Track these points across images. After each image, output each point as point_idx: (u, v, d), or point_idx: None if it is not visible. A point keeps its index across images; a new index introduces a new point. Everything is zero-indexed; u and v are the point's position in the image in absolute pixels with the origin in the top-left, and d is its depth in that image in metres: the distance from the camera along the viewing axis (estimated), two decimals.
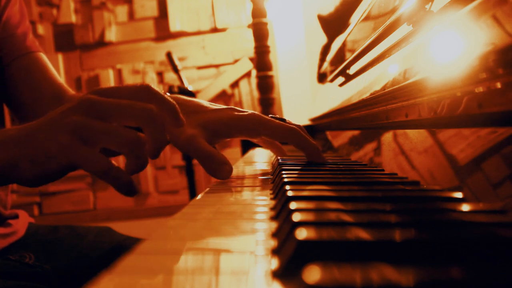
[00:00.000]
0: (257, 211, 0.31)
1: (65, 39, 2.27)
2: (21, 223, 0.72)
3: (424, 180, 0.38)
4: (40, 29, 2.24)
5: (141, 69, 2.24)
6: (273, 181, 0.47)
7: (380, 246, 0.18)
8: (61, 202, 2.24)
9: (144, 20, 2.26)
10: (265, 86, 1.60)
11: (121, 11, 2.26)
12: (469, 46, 0.29)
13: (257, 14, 1.58)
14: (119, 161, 1.92)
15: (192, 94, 1.65)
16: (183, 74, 1.76)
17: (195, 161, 1.73)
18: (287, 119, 0.57)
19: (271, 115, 0.55)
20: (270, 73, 1.61)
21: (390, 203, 0.27)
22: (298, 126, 0.54)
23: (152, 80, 2.23)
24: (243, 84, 2.21)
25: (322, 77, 1.31)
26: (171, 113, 0.42)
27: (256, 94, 1.65)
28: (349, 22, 0.88)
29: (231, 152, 2.12)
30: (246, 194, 0.41)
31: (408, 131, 0.44)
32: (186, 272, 0.19)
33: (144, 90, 0.41)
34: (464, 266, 0.15)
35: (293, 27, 2.13)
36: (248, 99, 2.20)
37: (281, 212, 0.28)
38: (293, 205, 0.25)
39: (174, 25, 2.21)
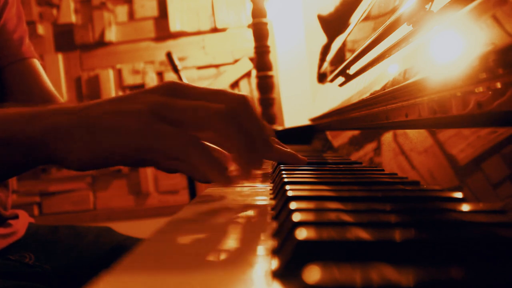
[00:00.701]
0: (257, 211, 0.31)
1: (65, 39, 2.27)
2: (21, 223, 0.72)
3: (424, 180, 0.38)
4: (40, 29, 2.24)
5: (141, 69, 2.24)
6: (273, 181, 0.47)
7: (380, 246, 0.18)
8: (61, 202, 2.24)
9: (144, 20, 2.25)
10: (265, 86, 1.60)
11: (121, 11, 2.26)
12: (469, 46, 0.29)
13: (257, 14, 1.58)
14: None
15: None
16: (183, 74, 1.76)
17: None
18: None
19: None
20: (270, 73, 1.61)
21: (390, 203, 0.27)
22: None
23: (152, 80, 2.23)
24: (243, 84, 2.21)
25: (322, 77, 1.31)
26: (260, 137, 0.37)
27: (256, 94, 1.65)
28: (349, 22, 0.88)
29: None
30: (246, 194, 0.41)
31: (408, 131, 0.44)
32: (185, 272, 0.19)
33: (241, 102, 0.36)
34: (464, 266, 0.15)
35: (293, 27, 2.13)
36: None
37: (281, 212, 0.28)
38: (293, 205, 0.25)
39: (174, 25, 2.21)
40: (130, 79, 2.24)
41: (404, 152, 0.44)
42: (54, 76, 2.21)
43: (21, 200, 2.18)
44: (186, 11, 2.21)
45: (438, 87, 0.34)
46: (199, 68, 2.22)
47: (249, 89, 2.20)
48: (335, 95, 0.88)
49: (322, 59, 1.27)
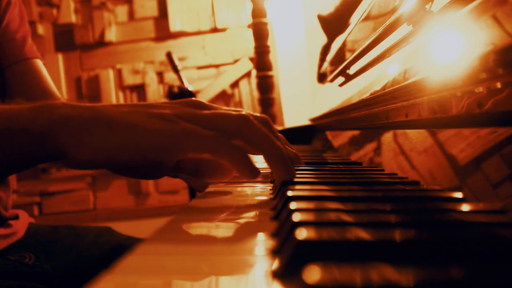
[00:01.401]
0: (257, 211, 0.31)
1: (65, 39, 2.27)
2: (21, 224, 0.72)
3: (424, 180, 0.38)
4: (40, 29, 2.24)
5: (141, 69, 2.24)
6: (272, 181, 0.47)
7: (380, 246, 0.18)
8: (61, 202, 2.24)
9: (144, 20, 2.25)
10: (265, 86, 1.60)
11: (121, 11, 2.26)
12: (469, 46, 0.29)
13: (257, 14, 1.58)
14: None
15: (192, 94, 1.65)
16: (183, 74, 1.76)
17: None
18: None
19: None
20: (270, 73, 1.61)
21: (390, 203, 0.27)
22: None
23: (152, 80, 2.23)
24: (243, 84, 2.21)
25: (322, 77, 1.31)
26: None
27: (256, 94, 1.65)
28: (349, 22, 0.88)
29: None
30: (246, 194, 0.41)
31: (408, 131, 0.44)
32: (185, 272, 0.19)
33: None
34: (464, 266, 0.15)
35: (293, 27, 2.13)
36: (248, 99, 2.20)
37: (281, 212, 0.28)
38: (293, 205, 0.25)
39: (174, 25, 2.21)
40: (130, 79, 2.24)
41: (404, 152, 0.44)
42: (54, 76, 2.20)
43: (21, 200, 2.18)
44: (186, 11, 2.21)
45: (438, 87, 0.34)
46: (199, 68, 2.22)
47: (249, 89, 2.20)
48: (335, 95, 0.88)
49: (322, 59, 1.27)
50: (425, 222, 0.23)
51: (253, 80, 2.16)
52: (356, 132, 0.69)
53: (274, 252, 0.21)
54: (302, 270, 0.16)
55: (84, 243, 0.73)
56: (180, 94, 1.62)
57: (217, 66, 2.22)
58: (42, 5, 2.26)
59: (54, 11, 2.26)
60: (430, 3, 0.43)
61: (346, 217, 0.23)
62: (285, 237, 0.21)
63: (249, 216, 0.30)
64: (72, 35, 2.26)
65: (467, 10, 0.30)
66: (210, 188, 0.44)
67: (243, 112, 0.38)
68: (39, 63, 0.79)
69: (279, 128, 1.43)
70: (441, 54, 0.34)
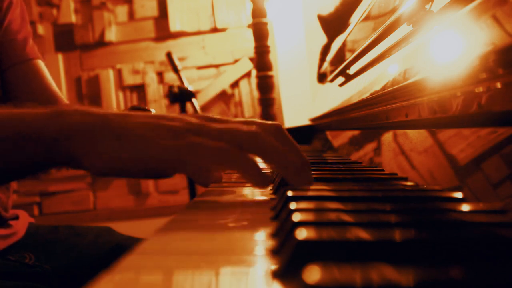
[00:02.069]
0: (257, 211, 0.31)
1: (65, 39, 2.27)
2: (21, 224, 0.72)
3: (424, 180, 0.38)
4: (40, 29, 2.24)
5: (141, 69, 2.24)
6: (272, 180, 0.47)
7: (380, 246, 0.18)
8: (61, 202, 2.24)
9: (144, 20, 2.25)
10: (265, 86, 1.60)
11: (121, 11, 2.26)
12: (469, 46, 0.29)
13: (257, 14, 1.58)
14: None
15: (192, 94, 1.65)
16: (183, 74, 1.76)
17: None
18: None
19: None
20: (270, 73, 1.61)
21: (390, 203, 0.27)
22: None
23: (152, 80, 2.23)
24: (243, 84, 2.21)
25: (322, 77, 1.31)
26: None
27: (256, 94, 1.65)
28: (349, 22, 0.88)
29: None
30: (246, 194, 0.41)
31: (408, 131, 0.44)
32: (185, 272, 0.19)
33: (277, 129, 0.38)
34: (464, 266, 0.15)
35: (293, 27, 2.13)
36: (248, 99, 2.20)
37: (281, 212, 0.28)
38: (293, 205, 0.25)
39: (174, 25, 2.21)
40: (130, 79, 2.24)
41: (404, 152, 0.44)
42: (54, 76, 2.18)
43: (21, 200, 2.18)
44: (186, 11, 2.21)
45: (438, 87, 0.34)
46: (199, 68, 2.22)
47: (249, 89, 2.20)
48: (335, 95, 0.88)
49: (322, 59, 1.27)
50: (425, 222, 0.23)
51: (253, 80, 2.16)
52: (356, 132, 0.68)
53: (274, 252, 0.21)
54: (302, 270, 0.16)
55: (84, 243, 0.73)
56: (180, 94, 1.61)
57: (217, 66, 2.22)
58: (42, 5, 2.26)
59: (54, 11, 2.26)
60: (430, 3, 0.43)
61: (346, 217, 0.23)
62: (285, 237, 0.21)
63: (249, 216, 0.30)
64: (72, 35, 2.26)
65: (467, 10, 0.30)
66: (211, 188, 0.44)
67: (254, 125, 0.37)
68: (41, 63, 0.79)
69: None
70: (441, 54, 0.34)
